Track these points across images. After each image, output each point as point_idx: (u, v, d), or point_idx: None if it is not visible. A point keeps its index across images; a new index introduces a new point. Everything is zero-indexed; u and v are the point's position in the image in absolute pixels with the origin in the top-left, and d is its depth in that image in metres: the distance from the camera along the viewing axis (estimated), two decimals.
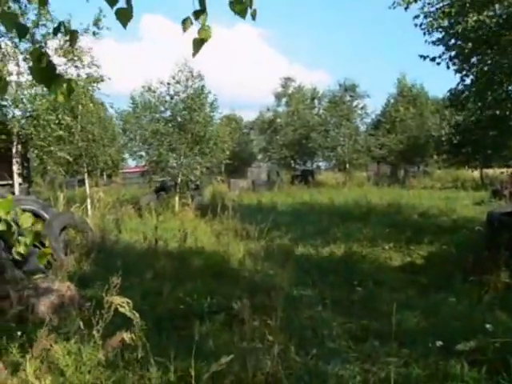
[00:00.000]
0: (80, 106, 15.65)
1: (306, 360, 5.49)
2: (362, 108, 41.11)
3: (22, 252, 2.64)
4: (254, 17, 2.63)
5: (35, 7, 14.20)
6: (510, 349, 4.89)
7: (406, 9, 9.99)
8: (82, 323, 5.42)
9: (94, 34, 15.97)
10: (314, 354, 5.61)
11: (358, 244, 11.89)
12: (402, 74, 45.17)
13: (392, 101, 45.03)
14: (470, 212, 16.50)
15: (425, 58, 10.62)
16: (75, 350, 5.26)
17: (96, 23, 15.85)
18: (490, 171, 35.53)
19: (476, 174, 36.48)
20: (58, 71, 2.77)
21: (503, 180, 18.69)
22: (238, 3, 2.54)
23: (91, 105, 15.51)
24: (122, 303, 4.34)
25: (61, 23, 2.78)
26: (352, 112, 40.27)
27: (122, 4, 2.56)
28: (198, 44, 2.62)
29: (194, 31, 2.61)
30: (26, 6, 14.21)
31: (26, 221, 2.65)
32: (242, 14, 2.58)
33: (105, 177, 44.25)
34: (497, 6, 8.90)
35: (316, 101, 48.89)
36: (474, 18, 8.69)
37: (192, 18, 2.57)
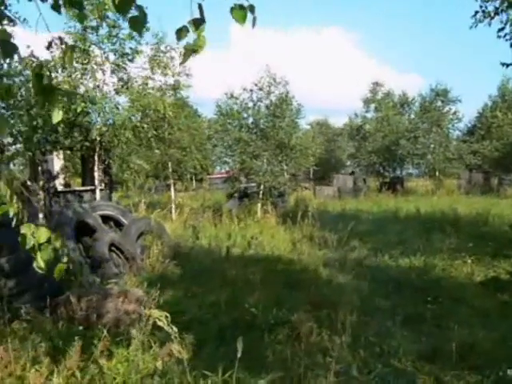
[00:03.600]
0: (164, 114, 15.87)
1: (368, 379, 5.24)
2: (453, 113, 39.71)
3: (42, 269, 2.55)
4: (253, 24, 2.46)
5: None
6: None
7: (489, 25, 9.49)
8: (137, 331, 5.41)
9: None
10: (377, 374, 5.35)
11: (439, 256, 11.38)
12: (507, 77, 42.79)
13: (490, 104, 43.04)
14: None
15: (507, 65, 9.98)
16: (132, 357, 5.29)
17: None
18: None
19: None
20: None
21: None
22: (238, 9, 2.38)
23: (170, 113, 15.70)
24: (161, 317, 4.25)
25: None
26: (443, 118, 38.96)
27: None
28: (189, 53, 2.47)
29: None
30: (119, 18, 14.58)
31: (42, 235, 2.55)
32: (240, 20, 2.41)
33: (194, 182, 45.12)
34: None
35: (406, 106, 47.65)
36: None
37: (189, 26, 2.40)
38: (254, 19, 2.44)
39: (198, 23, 2.37)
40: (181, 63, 2.54)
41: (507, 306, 7.81)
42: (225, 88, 22.70)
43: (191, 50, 2.44)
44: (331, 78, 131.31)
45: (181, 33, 2.42)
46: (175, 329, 4.38)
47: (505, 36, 9.51)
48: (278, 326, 6.55)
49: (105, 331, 5.31)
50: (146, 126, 15.06)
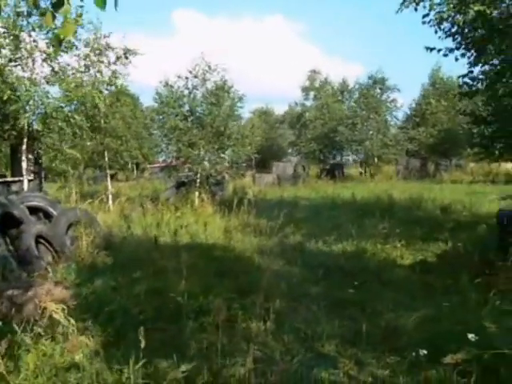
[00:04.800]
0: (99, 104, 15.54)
1: (290, 364, 5.22)
2: (391, 101, 40.41)
3: None
4: (115, 5, 2.30)
5: None
6: (500, 361, 4.56)
7: (415, 9, 9.52)
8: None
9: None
10: (299, 359, 5.34)
11: (371, 241, 11.53)
12: (438, 65, 43.83)
13: (423, 93, 44.05)
14: (495, 207, 15.88)
15: (431, 49, 10.07)
16: (50, 351, 5.14)
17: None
18: None
19: (510, 167, 35.65)
20: None
21: None
22: None
23: (102, 105, 15.40)
24: (57, 309, 4.12)
25: None
26: (381, 105, 39.60)
27: None
28: (58, 42, 2.26)
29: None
30: None
31: None
32: (99, 3, 2.24)
33: (135, 171, 44.58)
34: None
35: (346, 94, 48.22)
36: (476, 9, 8.19)
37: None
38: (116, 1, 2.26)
39: (57, 5, 2.15)
40: (54, 52, 2.32)
41: (432, 288, 7.94)
42: (163, 76, 22.32)
43: (59, 38, 2.24)
44: (276, 66, 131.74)
45: (46, 17, 2.17)
46: (73, 321, 4.23)
47: (429, 22, 9.61)
48: (203, 314, 6.48)
49: (14, 325, 5.09)
50: (77, 117, 14.69)
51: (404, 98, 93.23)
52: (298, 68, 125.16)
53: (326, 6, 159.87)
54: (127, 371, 4.53)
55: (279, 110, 77.72)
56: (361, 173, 36.24)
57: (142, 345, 4.00)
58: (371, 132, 38.51)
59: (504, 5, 8.94)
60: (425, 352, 4.69)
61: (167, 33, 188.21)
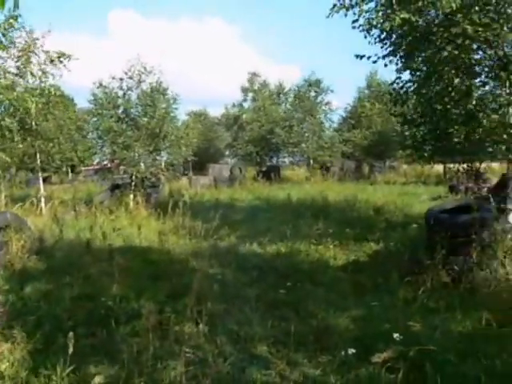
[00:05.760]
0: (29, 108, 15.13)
1: (223, 366, 5.22)
2: (326, 104, 40.92)
3: None
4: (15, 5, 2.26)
5: None
6: (425, 357, 4.70)
7: (345, 15, 9.56)
8: None
9: None
10: (232, 361, 5.35)
11: (305, 242, 11.64)
12: (374, 69, 44.87)
13: (360, 96, 44.98)
14: (426, 207, 16.32)
15: (361, 57, 10.18)
16: None
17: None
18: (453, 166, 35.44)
19: (441, 168, 36.69)
20: None
21: (459, 175, 18.64)
22: None
23: (33, 109, 14.98)
24: None
25: None
26: (316, 108, 40.05)
27: None
28: None
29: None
30: None
31: None
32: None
33: (70, 174, 43.63)
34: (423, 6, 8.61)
35: (282, 96, 48.71)
36: (402, 16, 8.36)
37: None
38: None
39: None
40: None
41: (363, 287, 8.08)
42: (99, 77, 21.95)
43: None
44: (216, 68, 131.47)
45: None
46: None
47: (359, 27, 9.68)
48: (134, 317, 6.40)
49: None
50: (8, 119, 14.25)
51: (342, 101, 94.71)
52: (238, 70, 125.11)
53: (264, 9, 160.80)
54: (55, 378, 4.45)
55: (219, 112, 77.75)
56: (306, 177, 36.28)
57: (70, 350, 3.91)
58: (307, 134, 38.86)
59: (429, 14, 9.19)
60: (353, 351, 4.79)
61: (103, 34, 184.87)
